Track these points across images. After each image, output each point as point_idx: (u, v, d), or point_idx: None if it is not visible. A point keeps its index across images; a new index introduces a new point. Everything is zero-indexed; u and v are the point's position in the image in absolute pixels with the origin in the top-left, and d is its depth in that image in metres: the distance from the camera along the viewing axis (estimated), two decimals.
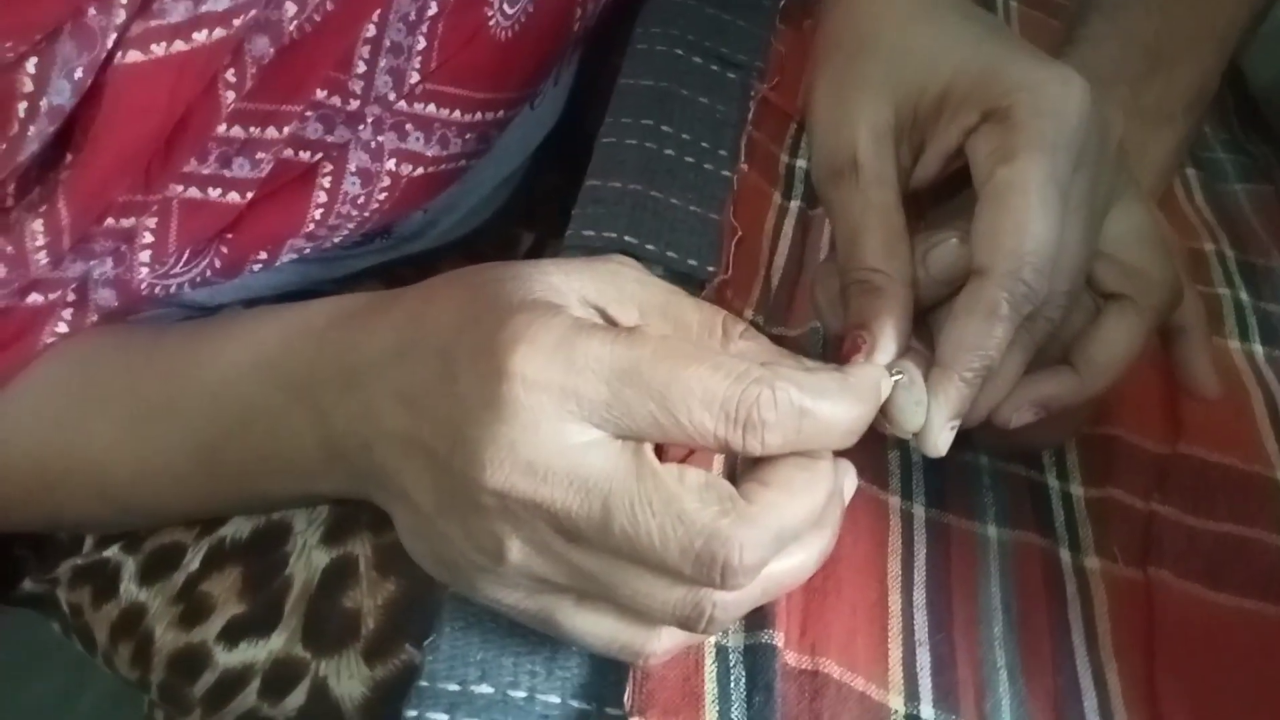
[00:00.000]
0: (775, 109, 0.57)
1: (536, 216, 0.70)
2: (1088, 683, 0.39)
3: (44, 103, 0.36)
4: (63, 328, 0.44)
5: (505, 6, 0.49)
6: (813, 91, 0.41)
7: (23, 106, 0.36)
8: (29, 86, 0.36)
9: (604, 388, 0.30)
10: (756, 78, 0.57)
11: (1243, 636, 0.41)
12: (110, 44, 0.36)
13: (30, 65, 0.35)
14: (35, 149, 0.37)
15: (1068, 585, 0.42)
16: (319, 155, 0.46)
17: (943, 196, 0.40)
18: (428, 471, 0.32)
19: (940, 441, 0.36)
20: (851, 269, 0.37)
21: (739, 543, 0.29)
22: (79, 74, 0.36)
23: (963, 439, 0.38)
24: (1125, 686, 0.39)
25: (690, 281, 0.47)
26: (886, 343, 0.36)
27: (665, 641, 0.33)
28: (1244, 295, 0.55)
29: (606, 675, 0.35)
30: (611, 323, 0.33)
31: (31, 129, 0.36)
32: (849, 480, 0.35)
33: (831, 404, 0.31)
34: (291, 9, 0.40)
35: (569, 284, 0.33)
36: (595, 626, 0.32)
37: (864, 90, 0.39)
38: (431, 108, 0.49)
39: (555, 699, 0.34)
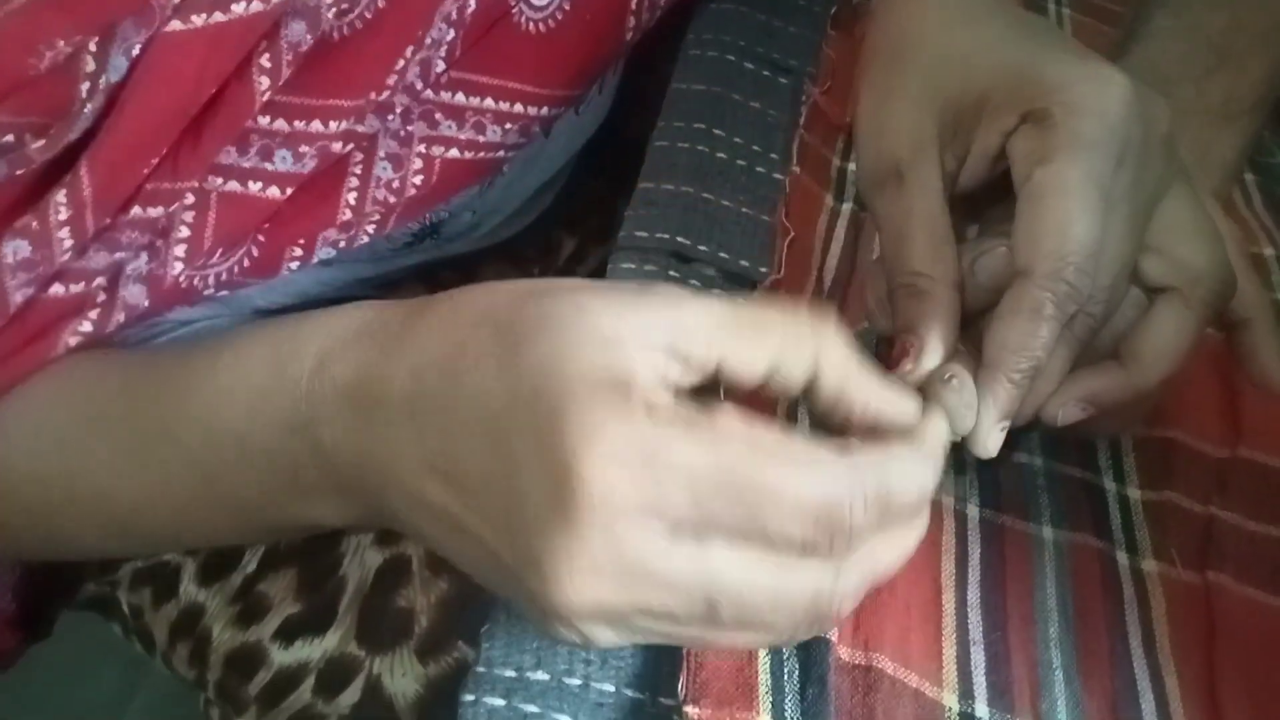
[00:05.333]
0: (826, 113, 0.57)
1: (578, 222, 0.70)
2: (1145, 685, 0.38)
3: (103, 80, 0.36)
4: (86, 327, 0.42)
5: None
6: (858, 101, 0.41)
7: (85, 87, 0.36)
8: (91, 66, 0.36)
9: (690, 504, 0.28)
10: (808, 82, 0.58)
11: None
12: (164, 17, 0.36)
13: (92, 45, 0.36)
14: (87, 124, 0.37)
15: (1125, 588, 0.41)
16: (349, 146, 0.46)
17: (998, 197, 0.40)
18: (482, 561, 0.31)
19: (990, 443, 0.35)
20: (897, 273, 0.37)
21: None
22: (136, 50, 0.36)
23: (1015, 441, 0.37)
24: (1184, 690, 0.38)
25: (743, 282, 0.47)
26: (934, 345, 0.36)
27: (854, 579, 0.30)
28: None
29: (660, 665, 0.35)
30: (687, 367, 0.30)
31: (89, 107, 0.36)
32: None
33: (915, 478, 0.31)
34: None
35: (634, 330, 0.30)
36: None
37: (904, 99, 0.39)
38: (460, 97, 0.48)
39: (610, 687, 0.35)
